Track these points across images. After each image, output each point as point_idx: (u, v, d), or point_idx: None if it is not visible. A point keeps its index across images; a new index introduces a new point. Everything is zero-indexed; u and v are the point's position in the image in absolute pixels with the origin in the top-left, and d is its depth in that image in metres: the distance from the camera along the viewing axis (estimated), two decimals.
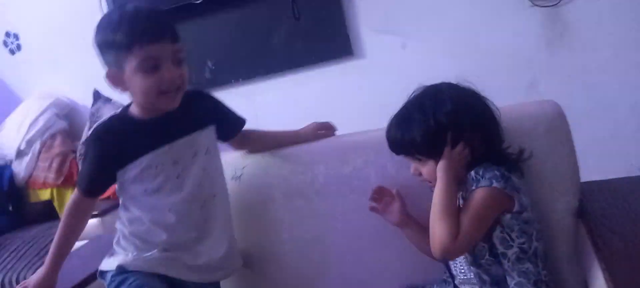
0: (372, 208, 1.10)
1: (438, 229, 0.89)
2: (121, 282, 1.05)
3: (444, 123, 0.92)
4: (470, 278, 0.97)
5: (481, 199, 0.89)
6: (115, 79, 1.00)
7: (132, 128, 1.04)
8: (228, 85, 2.35)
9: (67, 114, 2.65)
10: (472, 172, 0.92)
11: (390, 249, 1.13)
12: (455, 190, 0.93)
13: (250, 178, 1.28)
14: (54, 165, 2.42)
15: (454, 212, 0.90)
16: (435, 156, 0.93)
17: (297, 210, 1.24)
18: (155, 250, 1.07)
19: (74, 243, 1.13)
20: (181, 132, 1.06)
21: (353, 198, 1.18)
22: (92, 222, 1.29)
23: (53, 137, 2.51)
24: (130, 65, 0.96)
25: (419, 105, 0.96)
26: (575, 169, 1.01)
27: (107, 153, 1.03)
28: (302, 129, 1.28)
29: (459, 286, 1.02)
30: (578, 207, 1.01)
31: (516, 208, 0.91)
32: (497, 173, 0.91)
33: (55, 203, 2.44)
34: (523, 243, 0.93)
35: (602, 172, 1.10)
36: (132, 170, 1.03)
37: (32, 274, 1.13)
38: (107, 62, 1.00)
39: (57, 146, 2.48)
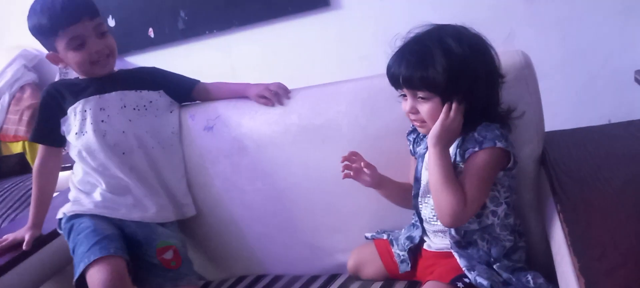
0: (346, 176, 1.09)
1: (444, 198, 0.88)
2: (71, 227, 1.16)
3: (467, 64, 0.88)
4: (445, 229, 0.99)
5: (485, 161, 0.89)
6: (55, 58, 1.19)
7: (74, 83, 1.23)
8: (202, 37, 2.31)
9: (35, 66, 2.58)
10: (475, 133, 0.91)
11: (361, 196, 1.16)
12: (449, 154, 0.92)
13: (222, 128, 1.28)
14: (25, 117, 2.38)
15: (455, 178, 0.89)
16: (445, 96, 0.89)
17: (270, 160, 1.25)
18: (96, 194, 1.19)
19: (48, 199, 1.25)
20: (114, 87, 1.22)
21: (325, 148, 1.19)
22: (65, 174, 1.30)
23: (22, 89, 2.45)
24: (60, 46, 1.14)
25: (439, 42, 0.89)
26: (540, 118, 1.03)
27: (51, 101, 1.21)
28: (253, 86, 1.28)
29: (428, 233, 1.05)
30: (541, 154, 1.04)
31: (510, 165, 0.93)
32: (498, 132, 0.91)
33: (28, 157, 2.41)
34: (507, 197, 0.96)
35: (576, 121, 1.13)
36: (69, 116, 1.19)
37: (7, 225, 1.21)
38: (43, 45, 1.17)
39: (27, 98, 2.43)
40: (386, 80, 0.98)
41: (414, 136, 1.09)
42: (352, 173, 1.08)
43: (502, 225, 0.96)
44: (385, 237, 1.15)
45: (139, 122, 1.23)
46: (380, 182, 1.09)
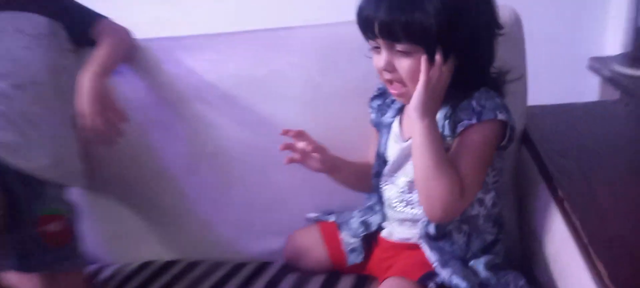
0: (290, 160, 0.85)
1: (436, 187, 0.69)
2: None
3: (465, 8, 0.69)
4: (416, 217, 0.81)
5: (485, 137, 0.72)
6: None
7: None
8: None
9: None
10: (473, 101, 0.72)
11: (304, 169, 0.94)
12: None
13: (134, 73, 1.00)
14: None
15: (449, 160, 0.71)
16: (432, 50, 0.70)
17: (197, 118, 1.00)
18: None
19: None
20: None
21: (266, 107, 0.97)
22: None
23: None
24: None
25: None
26: (525, 88, 0.90)
27: None
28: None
29: (391, 219, 0.86)
30: (523, 131, 0.90)
31: (504, 142, 0.76)
32: (498, 100, 0.73)
33: None
34: (496, 182, 0.80)
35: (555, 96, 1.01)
36: None
37: None
38: None
39: None
40: (352, 29, 0.77)
41: (379, 102, 0.90)
42: (297, 157, 0.85)
43: (487, 216, 0.80)
44: (332, 219, 0.95)
45: (26, 54, 0.94)
46: (332, 166, 0.88)
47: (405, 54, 0.72)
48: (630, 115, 0.99)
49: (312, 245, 0.95)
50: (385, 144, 0.85)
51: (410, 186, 0.81)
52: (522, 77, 0.87)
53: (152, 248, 1.08)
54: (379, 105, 0.90)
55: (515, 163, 0.90)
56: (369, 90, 0.90)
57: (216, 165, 1.01)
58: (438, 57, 0.69)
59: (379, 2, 0.71)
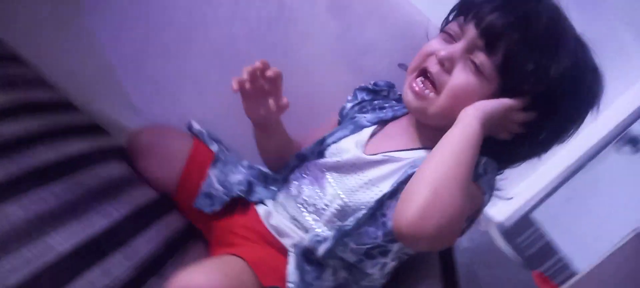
0: (241, 90, 0.60)
1: (448, 194, 0.48)
2: None
3: (577, 98, 0.58)
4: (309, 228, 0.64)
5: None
6: None
7: None
8: None
9: None
10: (483, 160, 0.57)
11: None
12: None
13: None
14: None
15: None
16: (506, 93, 0.56)
17: None
18: None
19: None
20: None
21: None
22: None
23: None
24: None
25: (562, 30, 0.57)
26: None
27: None
28: None
29: (286, 206, 0.67)
30: None
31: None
32: (494, 183, 0.59)
33: None
34: (406, 253, 0.64)
35: None
36: None
37: None
38: None
39: None
40: None
41: (366, 97, 0.73)
42: (266, 86, 0.61)
43: (375, 282, 0.64)
44: (214, 149, 0.74)
45: None
46: (270, 125, 0.67)
47: (477, 69, 0.57)
48: None
49: (173, 153, 0.72)
50: (341, 138, 0.68)
51: (342, 212, 0.61)
52: None
53: None
54: (363, 100, 0.73)
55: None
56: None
57: None
58: (522, 101, 0.56)
59: (509, 4, 0.56)
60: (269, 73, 0.59)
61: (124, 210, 0.61)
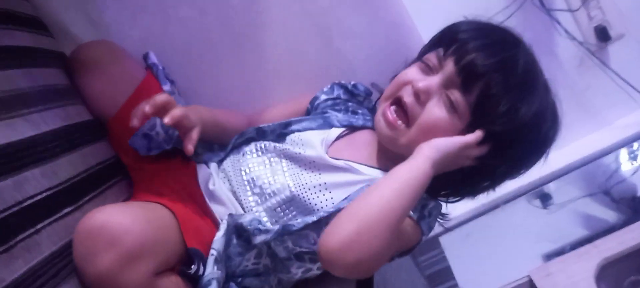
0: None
1: (381, 233, 0.49)
2: None
3: (536, 142, 0.60)
4: (275, 205, 0.60)
5: (408, 235, 0.58)
6: None
7: None
8: None
9: None
10: (430, 203, 0.59)
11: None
12: None
13: None
14: None
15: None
16: (480, 128, 0.57)
17: None
18: None
19: None
20: None
21: None
22: None
23: None
24: None
25: (542, 79, 0.60)
26: None
27: None
28: None
29: (222, 177, 0.64)
30: None
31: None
32: (434, 223, 0.61)
33: None
34: None
35: None
36: None
37: None
38: None
39: None
40: None
41: (342, 96, 0.71)
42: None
43: (304, 274, 0.62)
44: (166, 88, 0.68)
45: None
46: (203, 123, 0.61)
47: (451, 106, 0.57)
48: None
49: (121, 77, 0.66)
50: (307, 129, 0.66)
51: (286, 203, 0.60)
52: None
53: None
54: (338, 97, 0.71)
55: None
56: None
57: None
58: (480, 134, 0.57)
59: (490, 46, 0.57)
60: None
61: (54, 124, 0.54)
